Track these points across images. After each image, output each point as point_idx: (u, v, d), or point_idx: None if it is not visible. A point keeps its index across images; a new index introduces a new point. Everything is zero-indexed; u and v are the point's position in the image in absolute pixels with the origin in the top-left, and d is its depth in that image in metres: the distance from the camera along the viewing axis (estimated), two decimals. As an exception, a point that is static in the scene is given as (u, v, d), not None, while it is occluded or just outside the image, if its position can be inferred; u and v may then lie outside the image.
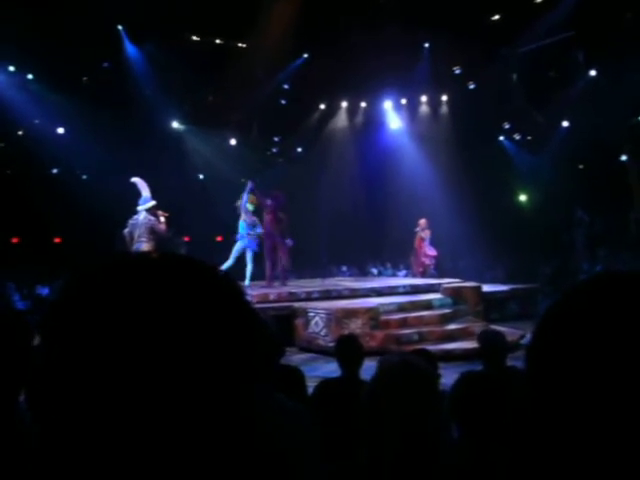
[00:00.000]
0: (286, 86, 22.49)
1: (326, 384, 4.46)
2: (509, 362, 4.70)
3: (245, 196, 14.84)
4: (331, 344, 9.82)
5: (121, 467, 0.66)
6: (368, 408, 1.72)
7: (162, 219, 14.04)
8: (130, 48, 19.58)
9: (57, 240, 21.48)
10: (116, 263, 0.75)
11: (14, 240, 21.02)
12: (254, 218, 14.84)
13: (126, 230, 13.32)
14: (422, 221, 18.41)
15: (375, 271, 22.36)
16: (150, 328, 0.68)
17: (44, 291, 17.26)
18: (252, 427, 0.72)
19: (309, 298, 13.50)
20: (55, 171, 21.09)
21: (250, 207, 14.82)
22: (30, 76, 18.69)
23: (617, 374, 0.67)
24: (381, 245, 22.85)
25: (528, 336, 11.21)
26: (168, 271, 0.74)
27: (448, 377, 4.55)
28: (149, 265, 0.75)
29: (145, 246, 12.71)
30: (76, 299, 0.72)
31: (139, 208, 13.84)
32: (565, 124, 21.17)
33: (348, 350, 4.45)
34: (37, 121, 19.21)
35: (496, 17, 19.34)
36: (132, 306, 0.69)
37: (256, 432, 0.72)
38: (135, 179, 14.06)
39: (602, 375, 0.68)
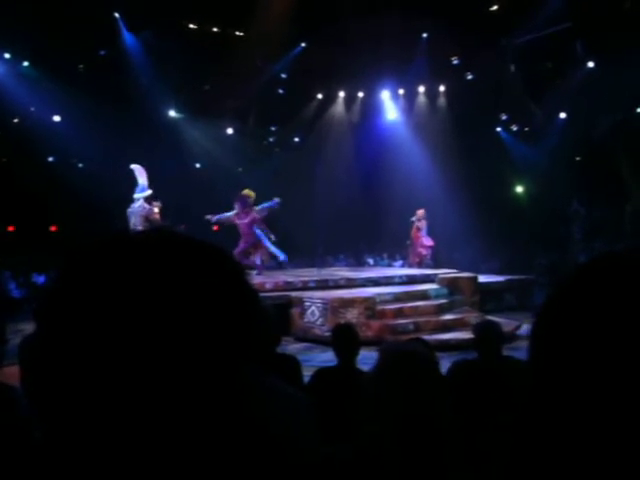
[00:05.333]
0: (283, 75, 22.41)
1: (322, 373, 4.46)
2: (505, 353, 4.70)
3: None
4: (327, 333, 9.83)
5: (119, 446, 0.66)
6: (371, 394, 1.72)
7: (156, 210, 14.10)
8: (127, 36, 19.47)
9: (53, 228, 21.46)
10: (113, 243, 0.74)
11: (10, 228, 20.99)
12: None
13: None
14: (420, 211, 18.38)
15: (371, 261, 22.39)
16: (149, 308, 0.67)
17: (40, 279, 17.24)
18: (246, 406, 0.71)
19: (305, 287, 13.51)
20: (51, 159, 21.02)
21: None
22: (26, 63, 18.58)
23: (624, 358, 0.66)
24: (377, 235, 22.86)
25: (524, 327, 11.25)
26: (167, 250, 0.73)
27: (444, 367, 4.55)
28: (148, 244, 0.73)
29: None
30: (72, 283, 0.71)
31: (136, 196, 13.88)
32: (562, 116, 21.15)
33: (344, 339, 4.44)
34: (33, 109, 19.13)
35: (494, 7, 19.28)
36: (130, 288, 0.68)
37: (251, 410, 0.71)
38: (134, 166, 14.08)
39: (610, 359, 0.67)
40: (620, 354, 0.66)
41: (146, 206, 13.69)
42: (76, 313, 0.68)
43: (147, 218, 13.39)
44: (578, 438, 0.68)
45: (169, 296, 0.68)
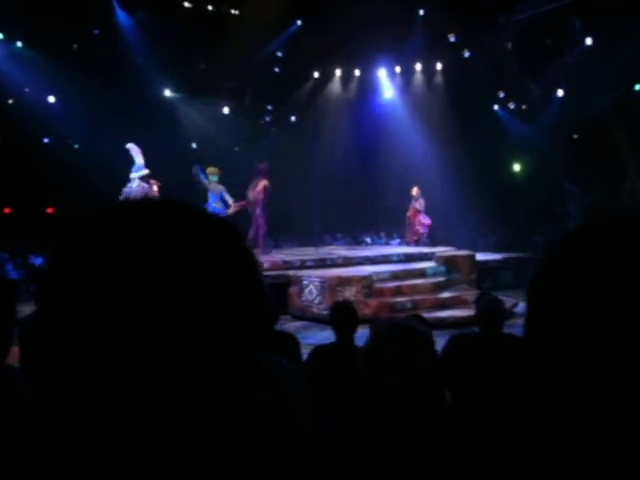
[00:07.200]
0: (280, 54, 22.27)
1: (321, 350, 4.48)
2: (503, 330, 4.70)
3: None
4: (325, 312, 9.86)
5: (123, 430, 0.65)
6: (364, 369, 1.73)
7: (155, 188, 14.05)
8: (121, 15, 19.30)
9: (50, 210, 21.40)
10: (112, 217, 0.72)
11: (6, 210, 20.93)
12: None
13: (121, 198, 13.36)
14: (415, 190, 18.34)
15: (369, 240, 22.39)
16: (154, 284, 0.65)
17: (37, 261, 17.23)
18: (251, 380, 0.71)
19: (303, 266, 13.52)
20: (47, 140, 20.91)
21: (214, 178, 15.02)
22: (20, 44, 18.42)
23: (622, 324, 0.65)
24: (375, 214, 22.84)
25: (520, 305, 11.28)
26: (169, 220, 0.71)
27: (441, 345, 4.56)
28: (152, 214, 0.72)
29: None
30: (72, 260, 0.70)
31: (132, 176, 13.85)
32: (560, 93, 21.06)
33: (343, 316, 4.45)
34: (27, 89, 18.99)
35: (492, -16, 19.12)
36: (132, 263, 0.66)
37: (254, 386, 0.71)
38: (129, 145, 14.02)
39: (609, 325, 0.65)
40: (618, 320, 0.65)
41: (144, 185, 13.66)
42: (77, 291, 0.66)
43: (146, 197, 13.42)
44: (576, 414, 0.67)
45: (173, 271, 0.66)
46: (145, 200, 0.74)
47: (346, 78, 24.41)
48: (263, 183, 15.11)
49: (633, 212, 0.72)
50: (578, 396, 0.67)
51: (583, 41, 19.54)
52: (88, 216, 0.73)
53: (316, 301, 11.87)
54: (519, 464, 0.77)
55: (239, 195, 15.48)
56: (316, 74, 23.95)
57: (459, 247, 16.05)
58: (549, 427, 0.70)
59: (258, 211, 15.11)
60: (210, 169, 15.23)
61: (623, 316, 0.65)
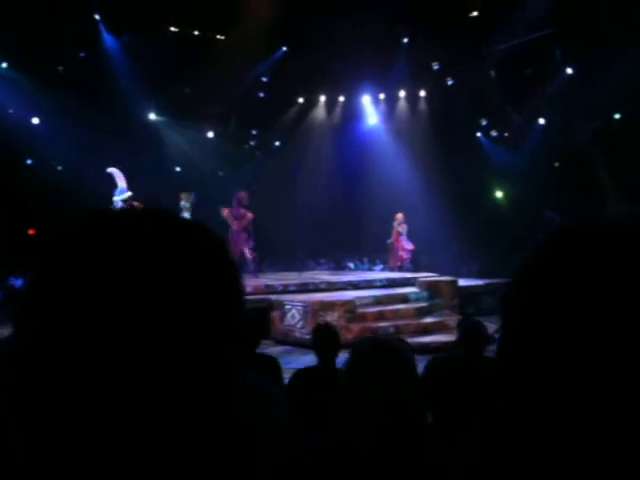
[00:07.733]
0: (265, 79, 22.41)
1: (302, 373, 4.45)
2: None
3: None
4: (307, 336, 9.82)
5: (110, 443, 0.64)
6: (347, 384, 1.73)
7: (138, 210, 14.04)
8: (107, 38, 19.38)
9: (31, 232, 21.22)
10: (93, 228, 0.71)
11: (-13, 231, 20.71)
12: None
13: None
14: (399, 215, 18.57)
15: (352, 265, 22.41)
16: (138, 296, 0.64)
17: (18, 283, 17.05)
18: (237, 392, 0.70)
19: (286, 291, 13.50)
20: (30, 162, 20.80)
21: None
22: (5, 64, 18.41)
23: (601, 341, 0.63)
24: (358, 239, 22.89)
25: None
26: (155, 230, 0.70)
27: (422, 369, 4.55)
28: (133, 224, 0.70)
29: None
30: (53, 274, 0.69)
31: (115, 199, 13.82)
32: (541, 122, 21.33)
33: (325, 339, 4.44)
34: (11, 111, 18.93)
35: (475, 14, 19.41)
36: (117, 276, 0.64)
37: (239, 397, 0.70)
38: (111, 169, 14.02)
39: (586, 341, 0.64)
40: (591, 334, 0.64)
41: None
42: (58, 308, 0.65)
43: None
44: (552, 430, 0.66)
45: (157, 283, 0.65)
46: (124, 210, 0.73)
47: (330, 104, 24.59)
48: (250, 216, 15.22)
49: (602, 227, 0.72)
50: (553, 409, 0.66)
51: (564, 71, 19.86)
52: (63, 230, 0.71)
53: (298, 325, 11.83)
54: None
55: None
56: (301, 100, 24.12)
57: (442, 273, 16.11)
58: (524, 445, 0.69)
59: (246, 241, 15.14)
60: (182, 194, 15.28)
61: (596, 329, 0.64)
